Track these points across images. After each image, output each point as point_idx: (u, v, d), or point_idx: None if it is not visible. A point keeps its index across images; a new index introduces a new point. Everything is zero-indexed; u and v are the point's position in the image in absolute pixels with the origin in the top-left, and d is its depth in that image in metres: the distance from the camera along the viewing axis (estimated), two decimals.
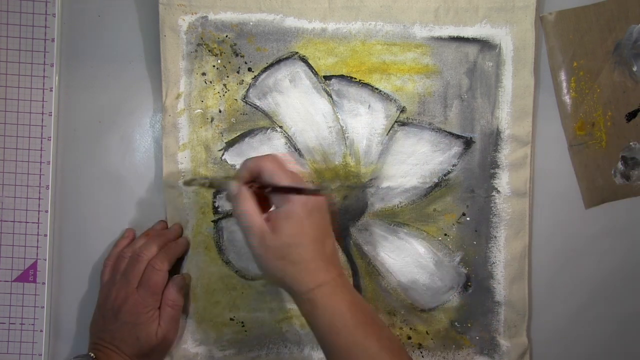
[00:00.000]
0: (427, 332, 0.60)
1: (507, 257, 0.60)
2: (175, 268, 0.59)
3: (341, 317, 0.47)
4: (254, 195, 0.49)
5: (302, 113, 0.59)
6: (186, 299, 0.59)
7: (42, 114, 0.60)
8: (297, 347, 0.61)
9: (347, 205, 0.60)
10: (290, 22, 0.59)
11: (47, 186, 0.60)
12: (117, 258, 0.58)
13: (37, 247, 0.60)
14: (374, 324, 0.49)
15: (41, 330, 0.60)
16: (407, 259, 0.60)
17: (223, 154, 0.60)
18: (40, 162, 0.60)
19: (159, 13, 0.58)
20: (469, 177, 0.60)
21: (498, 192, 0.60)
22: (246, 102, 0.60)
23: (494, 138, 0.59)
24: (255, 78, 0.59)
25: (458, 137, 0.60)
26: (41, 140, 0.60)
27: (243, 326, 0.61)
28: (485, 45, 0.59)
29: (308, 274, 0.48)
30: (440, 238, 0.60)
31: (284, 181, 0.48)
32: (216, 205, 0.60)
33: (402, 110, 0.59)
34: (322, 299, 0.47)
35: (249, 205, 0.49)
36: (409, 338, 0.61)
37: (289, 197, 0.48)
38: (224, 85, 0.59)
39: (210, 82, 0.59)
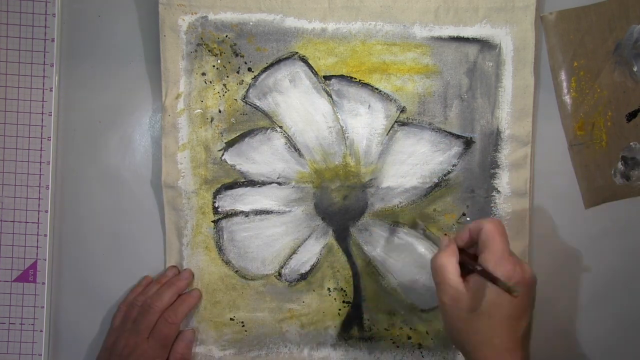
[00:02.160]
0: (427, 332, 0.60)
1: None
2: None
3: None
4: (463, 255, 0.49)
5: (302, 113, 0.59)
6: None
7: (42, 114, 0.60)
8: (297, 347, 0.61)
9: (347, 205, 0.60)
10: (290, 22, 0.59)
11: (47, 186, 0.60)
12: (130, 305, 0.58)
13: (37, 247, 0.60)
14: None
15: (41, 330, 0.60)
16: (407, 259, 0.60)
17: (223, 154, 0.60)
18: (40, 162, 0.60)
19: (159, 13, 0.58)
20: (469, 177, 0.60)
21: (498, 192, 0.60)
22: (246, 102, 0.60)
23: (494, 138, 0.59)
24: (255, 78, 0.59)
25: (458, 137, 0.60)
26: (41, 140, 0.60)
27: (243, 326, 0.61)
28: (485, 45, 0.59)
29: (490, 349, 0.45)
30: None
31: (497, 249, 0.46)
32: (216, 206, 0.60)
33: (402, 110, 0.59)
34: None
35: (450, 260, 0.48)
36: (409, 338, 0.61)
37: (497, 263, 0.46)
38: (224, 85, 0.59)
39: (210, 82, 0.59)
